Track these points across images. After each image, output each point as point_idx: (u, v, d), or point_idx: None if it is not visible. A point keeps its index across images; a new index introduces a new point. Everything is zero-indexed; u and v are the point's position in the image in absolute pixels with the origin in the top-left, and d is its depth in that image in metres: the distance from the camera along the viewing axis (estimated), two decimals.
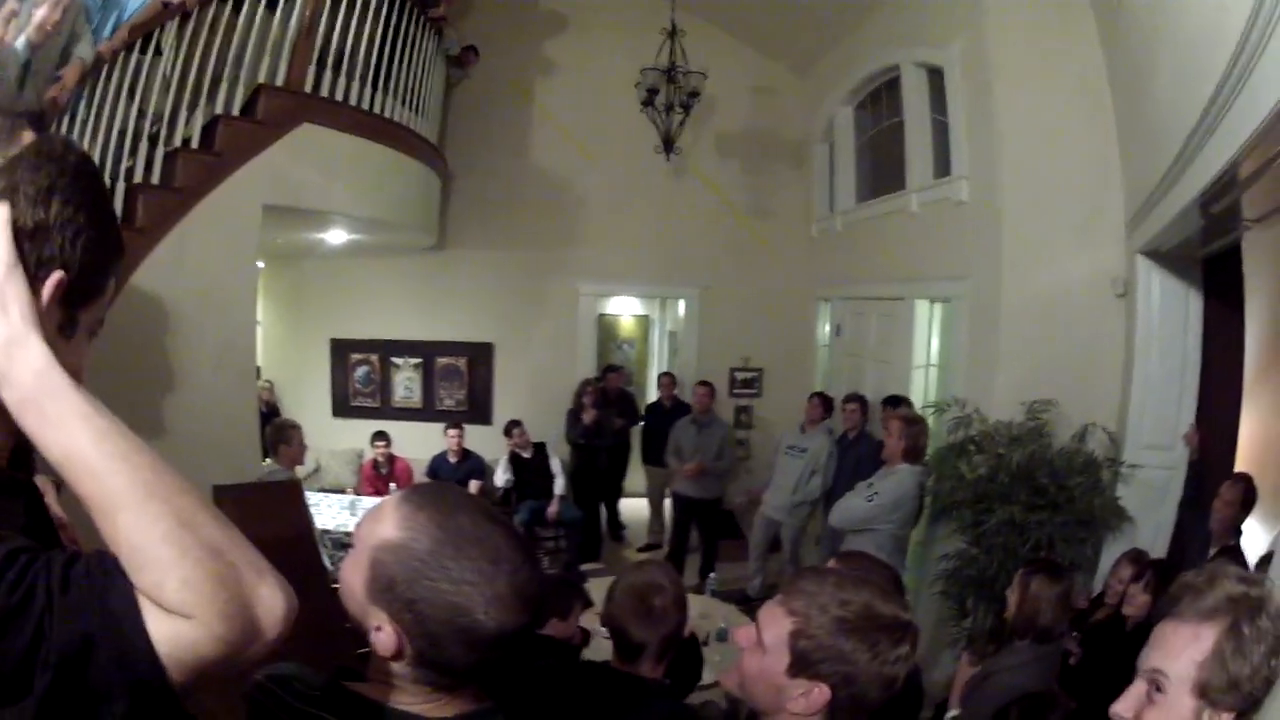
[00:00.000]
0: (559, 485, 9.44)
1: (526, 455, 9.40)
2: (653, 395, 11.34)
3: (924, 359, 7.90)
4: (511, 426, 9.40)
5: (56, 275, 1.15)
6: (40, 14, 4.56)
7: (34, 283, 1.13)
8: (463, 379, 10.65)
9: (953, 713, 3.98)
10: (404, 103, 7.72)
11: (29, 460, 1.29)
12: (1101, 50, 5.90)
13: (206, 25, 5.68)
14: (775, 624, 1.79)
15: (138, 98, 5.39)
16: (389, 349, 10.54)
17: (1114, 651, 4.18)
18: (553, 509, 9.27)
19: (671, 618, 2.76)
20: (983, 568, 5.64)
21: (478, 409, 10.67)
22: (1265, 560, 3.94)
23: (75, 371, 1.15)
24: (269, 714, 1.49)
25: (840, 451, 7.82)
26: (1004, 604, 4.02)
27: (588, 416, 9.40)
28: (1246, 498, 4.60)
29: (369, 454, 9.21)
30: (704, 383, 9.25)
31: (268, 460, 6.40)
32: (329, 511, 7.50)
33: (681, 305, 11.51)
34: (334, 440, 9.97)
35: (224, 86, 5.91)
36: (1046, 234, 6.13)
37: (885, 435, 6.20)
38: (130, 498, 1.05)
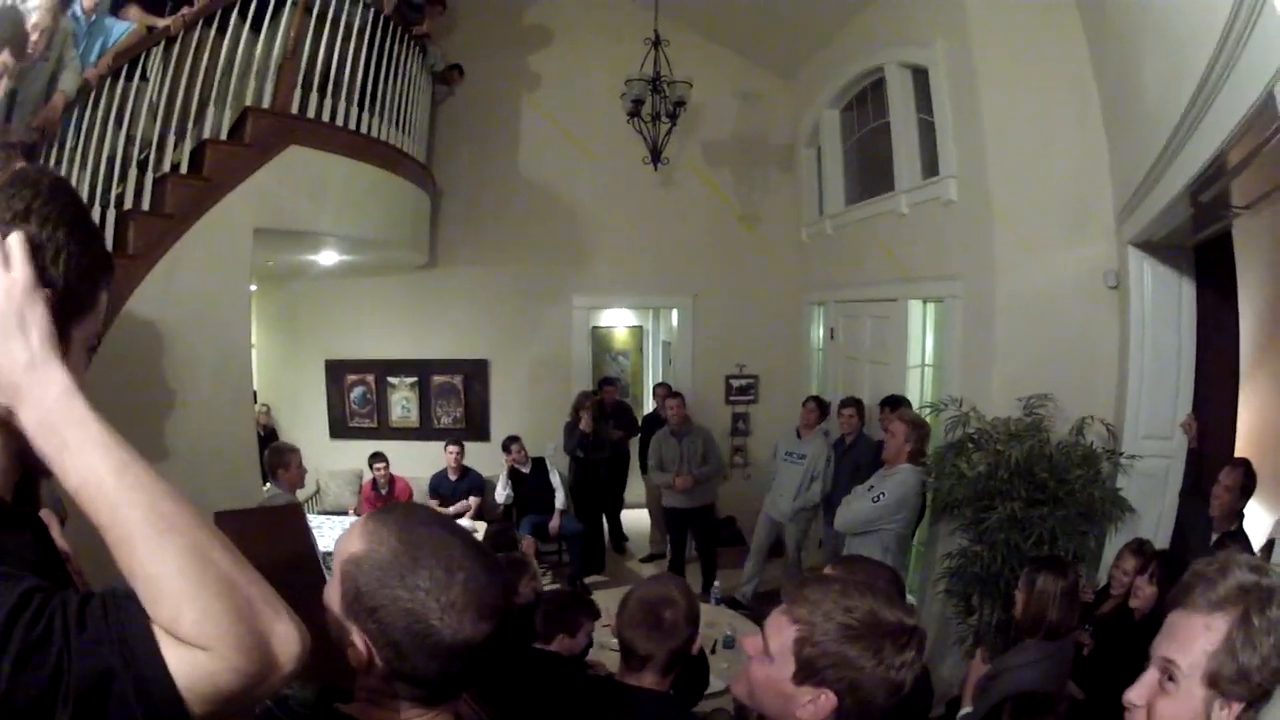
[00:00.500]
0: (559, 499, 9.45)
1: (526, 470, 9.41)
2: (649, 406, 11.33)
3: (919, 359, 7.92)
4: (510, 442, 9.41)
5: (42, 294, 1.14)
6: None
7: None
8: (459, 397, 10.63)
9: (965, 710, 3.98)
10: (391, 121, 7.74)
11: (34, 494, 1.29)
12: (1086, 43, 5.93)
13: (192, 50, 5.70)
14: (781, 632, 1.80)
15: (125, 124, 5.40)
16: (384, 369, 10.52)
17: (1124, 642, 4.18)
18: (554, 523, 9.28)
19: (681, 632, 2.77)
20: (986, 564, 5.64)
21: (475, 426, 10.65)
22: (1267, 548, 3.95)
23: None
24: None
25: (838, 455, 7.83)
26: (1011, 600, 4.04)
27: (584, 423, 9.39)
28: (1246, 482, 4.60)
29: (368, 475, 9.21)
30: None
31: (268, 484, 6.39)
32: (331, 534, 7.43)
33: (674, 315, 11.50)
34: (333, 462, 9.97)
35: (211, 110, 5.92)
36: (1037, 230, 6.14)
37: (887, 436, 6.22)
38: (149, 529, 1.06)
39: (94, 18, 5.22)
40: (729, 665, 5.67)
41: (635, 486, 10.86)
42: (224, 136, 5.96)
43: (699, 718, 3.52)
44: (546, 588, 6.97)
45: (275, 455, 6.36)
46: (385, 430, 10.56)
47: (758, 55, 10.59)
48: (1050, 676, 3.72)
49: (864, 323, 8.82)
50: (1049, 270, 6.15)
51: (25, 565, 1.10)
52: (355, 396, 10.55)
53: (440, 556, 1.42)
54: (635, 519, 10.98)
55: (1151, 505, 5.83)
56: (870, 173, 8.88)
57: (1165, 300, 5.71)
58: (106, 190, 5.28)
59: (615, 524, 10.73)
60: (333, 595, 1.45)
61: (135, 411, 5.13)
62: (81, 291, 1.21)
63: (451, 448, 9.47)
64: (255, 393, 7.35)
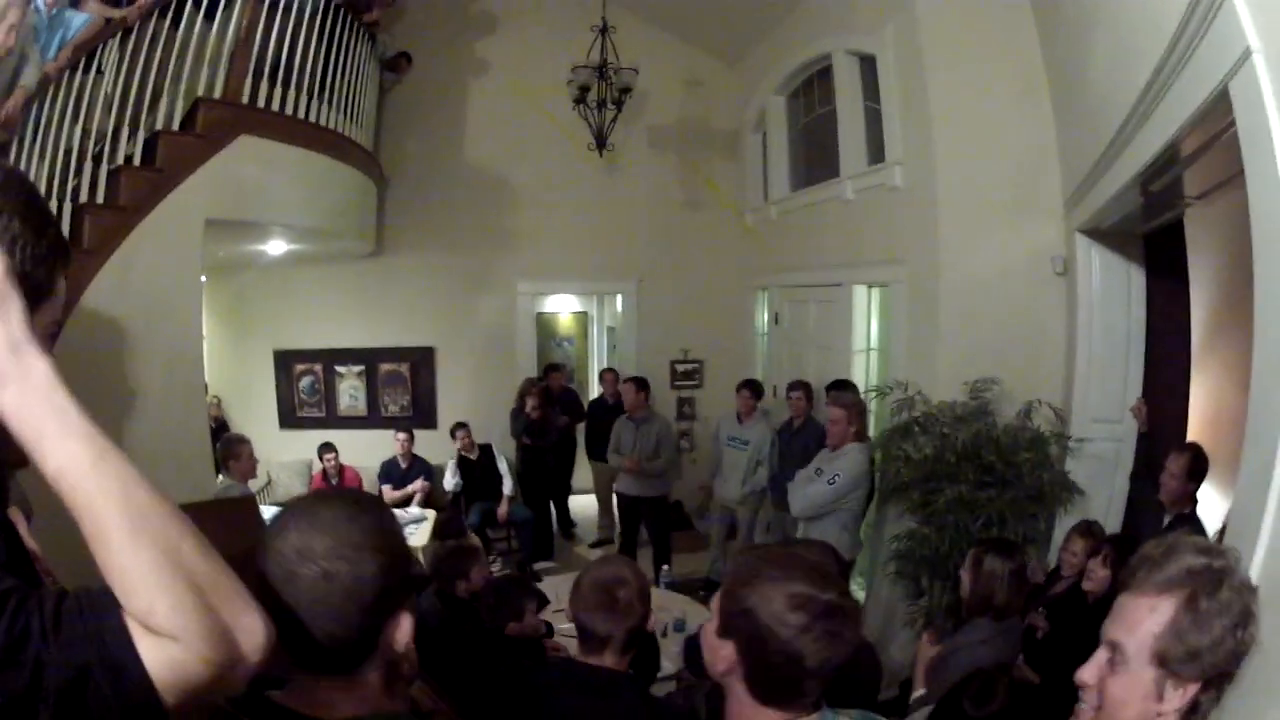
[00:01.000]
0: (507, 486, 9.47)
1: (473, 457, 9.41)
2: (595, 391, 11.35)
3: (864, 344, 7.99)
4: (456, 429, 9.40)
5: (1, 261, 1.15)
6: None
7: None
8: (406, 384, 10.61)
9: (919, 692, 4.04)
10: (339, 110, 7.69)
11: (3, 492, 1.31)
12: (1037, 31, 6.00)
13: (147, 41, 5.63)
14: (717, 597, 1.90)
15: (82, 117, 5.34)
16: (332, 358, 10.46)
17: (1077, 624, 4.25)
18: (502, 510, 9.30)
19: (637, 610, 2.80)
20: (935, 546, 5.70)
21: (422, 413, 10.63)
22: (1222, 531, 4.04)
23: None
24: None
25: (786, 438, 7.86)
26: (959, 581, 4.09)
27: (531, 406, 9.41)
28: (1195, 467, 4.65)
29: (318, 465, 9.18)
30: (630, 379, 9.03)
31: (220, 476, 6.36)
32: None
33: (619, 300, 11.52)
34: (282, 452, 9.89)
35: (164, 101, 5.86)
36: (983, 216, 6.23)
37: (829, 424, 6.31)
38: (124, 519, 1.08)
39: (55, 10, 5.16)
40: (679, 649, 5.71)
41: (582, 472, 10.88)
42: (176, 127, 5.91)
43: (662, 700, 3.56)
44: (497, 575, 7.00)
45: (227, 447, 6.34)
46: (334, 420, 10.53)
47: (704, 42, 10.63)
48: (1000, 655, 3.78)
49: (809, 308, 8.89)
50: (995, 256, 6.23)
51: None
52: (304, 386, 10.48)
53: (303, 513, 1.48)
54: (583, 505, 11.00)
55: (1101, 488, 5.93)
56: (816, 159, 8.94)
57: (1114, 286, 5.80)
58: (63, 184, 5.22)
59: (563, 510, 10.77)
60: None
61: (89, 404, 5.06)
62: (39, 279, 1.22)
63: (400, 435, 9.46)
64: (206, 385, 7.30)
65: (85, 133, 5.40)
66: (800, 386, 7.78)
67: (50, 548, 2.18)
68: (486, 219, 10.49)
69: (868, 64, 7.34)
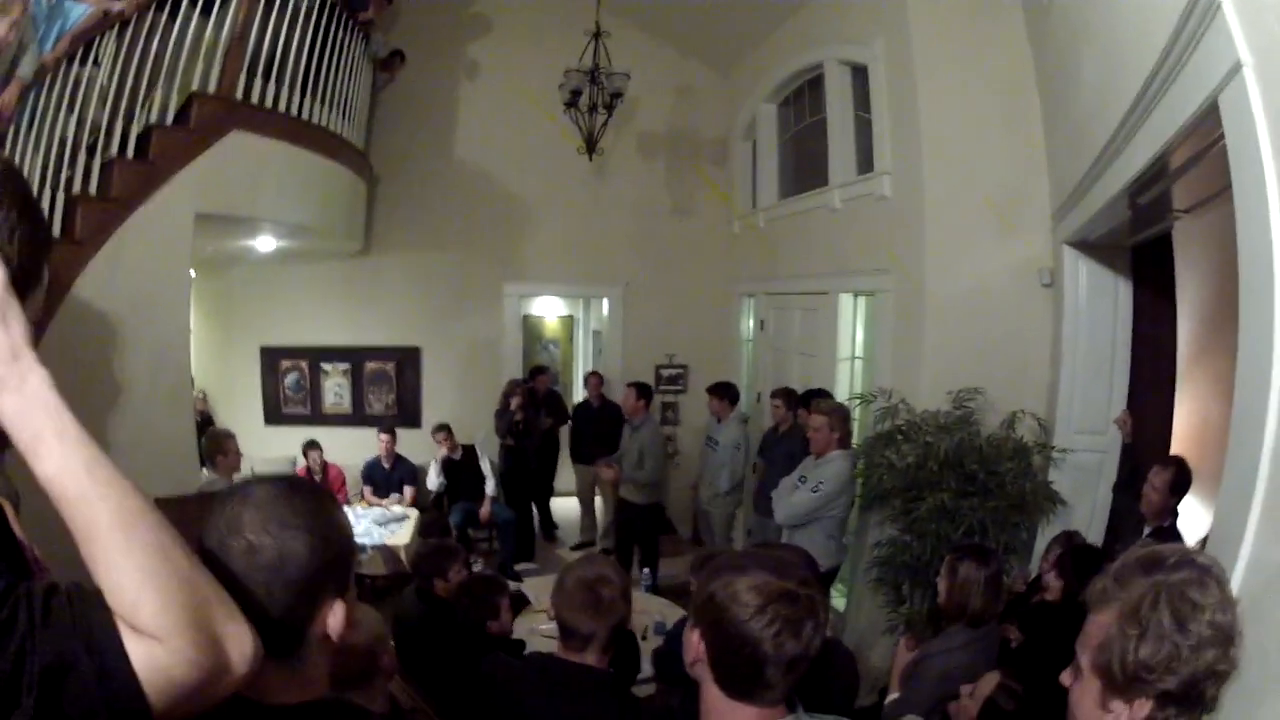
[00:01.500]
0: (490, 486, 9.44)
1: (456, 457, 9.39)
2: (580, 395, 11.37)
3: (849, 352, 8.01)
4: (437, 430, 9.39)
5: (1, 272, 1.17)
6: None
7: None
8: (391, 383, 10.61)
9: (893, 695, 4.07)
10: (331, 108, 7.69)
11: None
12: (1028, 44, 6.06)
13: (144, 33, 5.63)
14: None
15: (77, 108, 5.34)
16: (318, 355, 10.45)
17: (1051, 632, 4.27)
18: (484, 510, 9.28)
19: (620, 608, 2.83)
20: (916, 554, 5.74)
21: (407, 413, 10.64)
22: (1203, 543, 4.06)
23: None
24: None
25: (771, 444, 7.84)
26: (938, 589, 4.11)
27: (515, 405, 9.45)
28: (1179, 480, 4.68)
29: (302, 462, 9.14)
30: (631, 384, 8.92)
31: (205, 471, 6.35)
32: None
33: (605, 304, 11.54)
34: (267, 448, 9.81)
35: (159, 95, 5.86)
36: (970, 227, 6.27)
37: (810, 432, 6.27)
38: (116, 524, 1.10)
39: (54, 1, 5.15)
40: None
41: (565, 475, 10.91)
42: (170, 121, 5.91)
43: (641, 700, 3.58)
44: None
45: (213, 441, 6.34)
46: (318, 417, 10.51)
47: (696, 50, 10.68)
48: (976, 661, 3.80)
49: (794, 315, 8.93)
50: (982, 266, 6.27)
51: None
52: (289, 383, 10.46)
53: (241, 490, 1.49)
54: (565, 507, 11.02)
55: (1084, 498, 5.97)
56: (805, 167, 8.99)
57: (1100, 299, 5.83)
58: (56, 174, 5.21)
59: (545, 512, 10.80)
60: None
61: (75, 397, 5.03)
62: (31, 269, 1.24)
63: (383, 435, 9.43)
64: (192, 379, 7.28)
65: (80, 123, 5.39)
66: (782, 394, 7.78)
67: (38, 538, 2.18)
68: (475, 220, 10.51)
69: (859, 74, 7.39)
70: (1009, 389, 6.12)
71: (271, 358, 10.46)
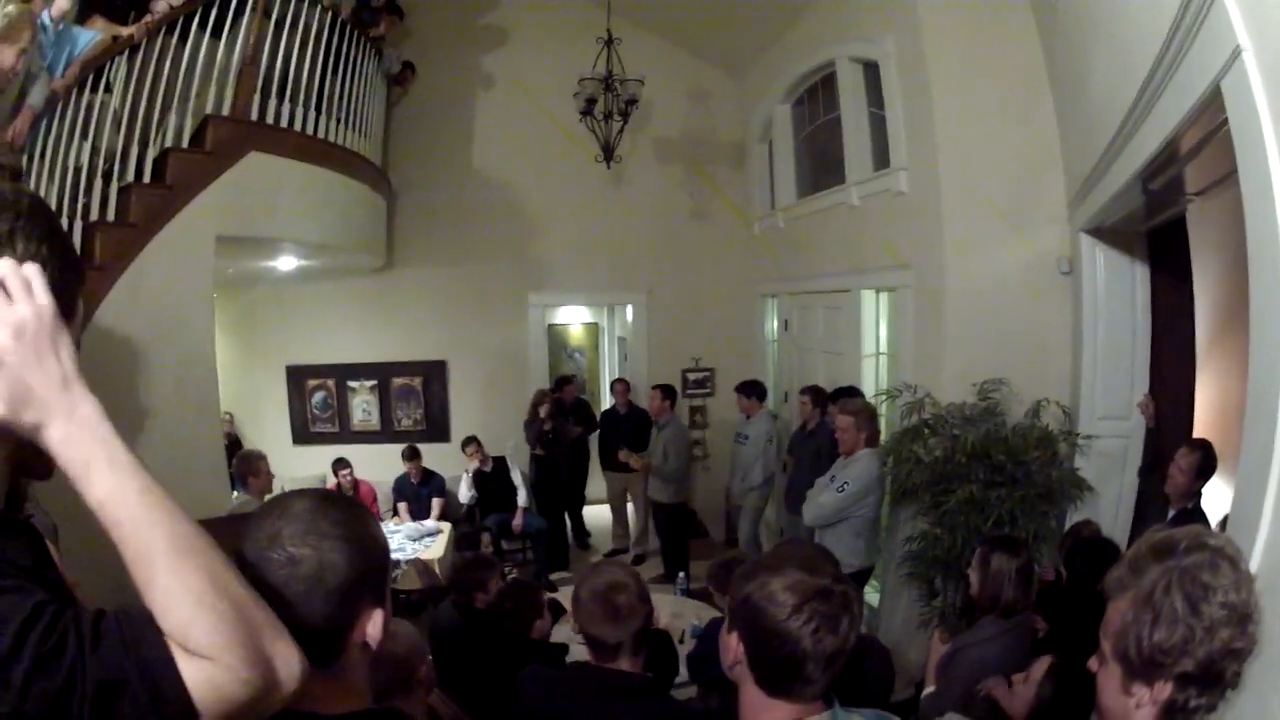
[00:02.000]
0: (521, 497, 9.46)
1: (487, 470, 9.41)
2: (608, 402, 11.40)
3: (873, 348, 8.00)
4: (467, 443, 9.40)
5: (48, 300, 1.18)
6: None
7: None
8: (419, 398, 10.64)
9: (929, 689, 4.07)
10: (347, 125, 7.74)
11: (21, 499, 1.34)
12: (1037, 33, 6.05)
13: (154, 58, 5.69)
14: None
15: (91, 135, 5.39)
16: (344, 373, 10.49)
17: (1075, 620, 4.26)
18: (517, 521, 9.30)
19: (639, 612, 2.83)
20: (948, 547, 5.73)
21: (435, 427, 10.68)
22: (1223, 524, 4.04)
23: None
24: None
25: (800, 442, 7.84)
26: (969, 581, 4.11)
27: (544, 414, 9.49)
28: (1205, 464, 4.67)
29: (332, 480, 9.15)
30: (655, 386, 9.37)
31: (236, 492, 6.40)
32: None
33: (629, 311, 11.57)
34: (297, 468, 9.83)
35: (173, 118, 5.91)
36: (987, 219, 6.25)
37: (838, 431, 6.29)
38: (169, 548, 1.12)
39: (61, 27, 5.17)
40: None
41: (596, 483, 10.87)
42: (185, 144, 5.97)
43: (681, 703, 3.60)
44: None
45: (245, 463, 6.37)
46: (347, 434, 10.56)
47: (709, 53, 10.69)
48: (1008, 652, 3.80)
49: (817, 313, 8.92)
50: (1000, 258, 6.26)
51: (23, 571, 1.14)
52: (316, 401, 10.51)
53: (279, 504, 1.53)
54: (597, 515, 11.02)
55: (1111, 484, 5.96)
56: (821, 166, 8.97)
57: (1119, 285, 5.84)
58: (73, 201, 5.27)
59: (578, 520, 10.79)
60: None
61: None
62: (64, 301, 1.24)
63: (409, 464, 9.42)
64: (219, 400, 7.33)
65: (95, 150, 5.44)
66: (809, 391, 7.78)
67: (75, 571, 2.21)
68: (496, 231, 10.53)
69: (871, 70, 7.38)
70: (1032, 378, 6.12)
71: (298, 376, 10.50)
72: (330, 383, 10.53)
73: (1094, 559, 4.13)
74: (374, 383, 10.57)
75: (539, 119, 10.25)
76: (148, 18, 5.64)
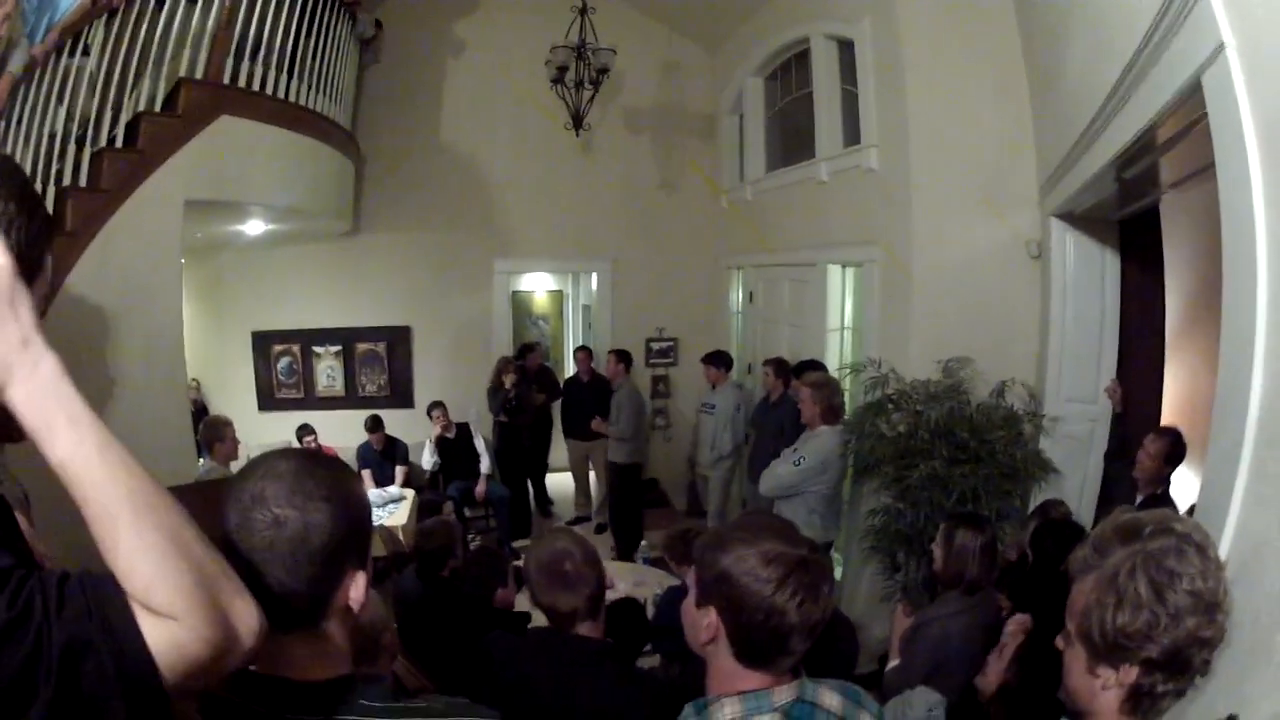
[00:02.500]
0: (485, 464, 9.50)
1: (450, 436, 9.43)
2: (571, 370, 11.41)
3: (838, 322, 8.06)
4: (433, 408, 9.42)
5: (6, 259, 1.17)
6: None
7: None
8: (383, 364, 10.60)
9: (893, 662, 4.13)
10: (319, 89, 7.67)
11: None
12: (1015, 16, 6.08)
13: (131, 22, 5.60)
14: (691, 570, 1.97)
15: (66, 100, 5.33)
16: (309, 338, 10.43)
17: (1040, 600, 4.32)
18: (480, 488, 9.34)
19: (590, 577, 2.86)
20: (910, 522, 5.81)
21: (399, 393, 10.66)
22: (1191, 511, 4.11)
23: None
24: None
25: (762, 413, 7.91)
26: (933, 556, 4.17)
27: (508, 381, 9.50)
28: (1173, 451, 4.76)
29: (297, 446, 9.05)
30: (610, 351, 9.58)
31: (202, 459, 6.37)
32: None
33: (594, 279, 11.56)
34: (262, 435, 9.67)
35: (146, 83, 5.84)
36: (957, 199, 6.30)
37: (800, 403, 6.34)
38: (129, 506, 1.13)
39: None
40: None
41: (559, 450, 10.92)
42: (158, 108, 5.90)
43: (645, 671, 3.64)
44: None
45: (211, 429, 6.33)
46: (312, 400, 10.49)
47: (683, 25, 10.66)
48: (972, 627, 3.86)
49: (783, 287, 8.97)
50: (969, 238, 6.32)
51: None
52: (281, 367, 10.43)
53: (262, 464, 1.51)
54: (560, 483, 11.06)
55: (1076, 467, 6.04)
56: (792, 141, 9.01)
57: (1088, 270, 5.89)
58: (47, 167, 5.21)
59: (540, 488, 10.83)
60: None
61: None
62: (32, 258, 1.25)
63: (370, 434, 9.39)
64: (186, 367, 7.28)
65: (70, 116, 5.38)
66: (772, 362, 7.81)
67: (45, 533, 2.20)
68: (463, 198, 10.50)
69: (846, 48, 7.40)
70: (997, 359, 6.17)
71: (263, 342, 10.41)
72: (295, 348, 10.44)
73: (1061, 540, 4.19)
74: (338, 348, 10.50)
75: (509, 86, 10.19)
76: None
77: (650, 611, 5.56)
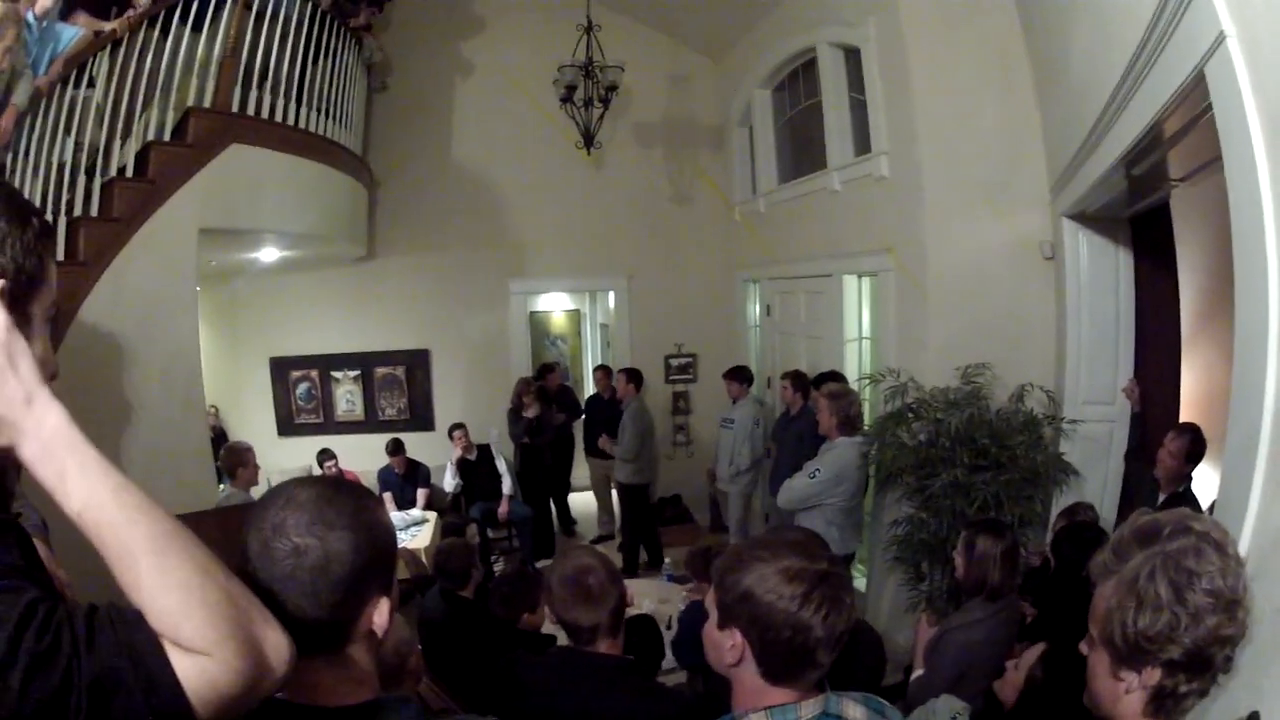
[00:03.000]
0: (507, 485, 9.49)
1: (471, 458, 9.43)
2: (591, 389, 11.41)
3: (856, 332, 8.01)
4: (454, 429, 9.41)
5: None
6: None
7: None
8: (402, 387, 10.63)
9: (918, 672, 4.10)
10: (328, 115, 7.72)
11: (8, 497, 1.33)
12: (1018, 18, 6.05)
13: (136, 52, 5.66)
14: (710, 592, 1.93)
15: (74, 130, 5.37)
16: (328, 363, 10.46)
17: (1062, 605, 4.28)
18: (502, 509, 9.32)
19: (612, 593, 2.84)
20: (933, 531, 5.77)
21: (419, 416, 10.68)
22: (1212, 508, 4.06)
23: (46, 361, 1.22)
24: None
25: (782, 427, 7.86)
26: (955, 565, 4.14)
27: (530, 411, 9.49)
28: (1194, 448, 4.71)
29: (318, 471, 9.07)
30: (620, 370, 9.60)
31: (223, 485, 6.39)
32: None
33: (611, 297, 11.56)
34: (282, 460, 9.76)
35: (154, 112, 5.88)
36: (969, 203, 6.28)
37: (818, 414, 6.33)
38: (151, 547, 1.12)
39: (45, 24, 5.15)
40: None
41: (581, 469, 10.91)
42: (167, 138, 5.94)
43: (660, 685, 3.61)
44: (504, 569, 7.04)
45: (233, 455, 6.36)
46: (331, 425, 10.52)
47: (689, 38, 10.68)
48: (995, 635, 3.83)
49: (799, 298, 8.94)
50: (982, 243, 6.29)
51: (15, 571, 1.14)
52: (300, 393, 10.47)
53: (283, 493, 1.49)
54: (583, 502, 11.05)
55: (1096, 468, 5.99)
56: (803, 151, 9.00)
57: (1102, 270, 5.85)
58: (57, 198, 5.25)
59: (563, 507, 10.80)
60: None
61: (88, 420, 5.03)
62: (30, 268, 1.24)
63: (391, 458, 9.42)
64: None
65: (78, 146, 5.42)
66: (789, 376, 7.78)
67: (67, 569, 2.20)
68: (477, 220, 10.52)
69: (852, 55, 7.38)
70: (1015, 363, 6.13)
71: (281, 368, 10.46)
72: (314, 374, 10.49)
73: (1080, 544, 4.15)
74: (357, 373, 10.54)
75: (519, 107, 10.20)
76: (130, 12, 5.61)
77: (674, 627, 5.55)
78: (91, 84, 5.48)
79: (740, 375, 8.58)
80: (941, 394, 6.01)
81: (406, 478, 9.44)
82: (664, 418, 11.08)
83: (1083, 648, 1.84)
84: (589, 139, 8.59)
